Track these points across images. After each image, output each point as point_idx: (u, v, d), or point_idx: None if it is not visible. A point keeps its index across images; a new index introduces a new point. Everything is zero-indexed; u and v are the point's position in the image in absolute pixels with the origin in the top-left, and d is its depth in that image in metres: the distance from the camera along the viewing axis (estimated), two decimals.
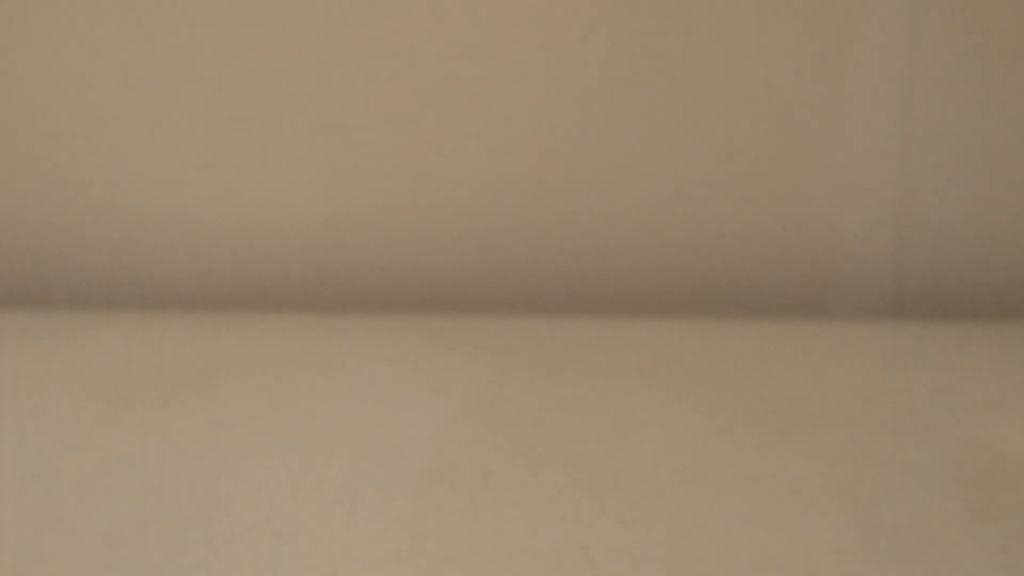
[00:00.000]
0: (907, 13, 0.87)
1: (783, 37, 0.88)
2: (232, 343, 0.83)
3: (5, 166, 0.92)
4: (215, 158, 0.91)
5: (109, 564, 0.51)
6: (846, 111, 0.89)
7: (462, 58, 0.90)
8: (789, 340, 0.83)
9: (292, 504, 0.57)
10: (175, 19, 0.90)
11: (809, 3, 0.88)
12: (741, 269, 0.91)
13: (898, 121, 0.88)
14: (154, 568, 0.51)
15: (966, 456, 0.63)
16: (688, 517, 0.56)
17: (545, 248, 0.91)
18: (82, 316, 0.89)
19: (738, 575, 0.51)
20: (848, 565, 0.51)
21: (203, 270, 0.92)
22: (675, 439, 0.65)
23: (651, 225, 0.91)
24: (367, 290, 0.92)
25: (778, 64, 0.89)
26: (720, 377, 0.75)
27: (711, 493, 0.58)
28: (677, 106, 0.89)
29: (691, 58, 0.89)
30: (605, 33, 0.89)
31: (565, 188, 0.91)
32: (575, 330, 0.85)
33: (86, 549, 0.53)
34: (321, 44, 0.90)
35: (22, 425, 0.68)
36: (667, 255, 0.91)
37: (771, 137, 0.90)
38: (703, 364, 0.78)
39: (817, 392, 0.73)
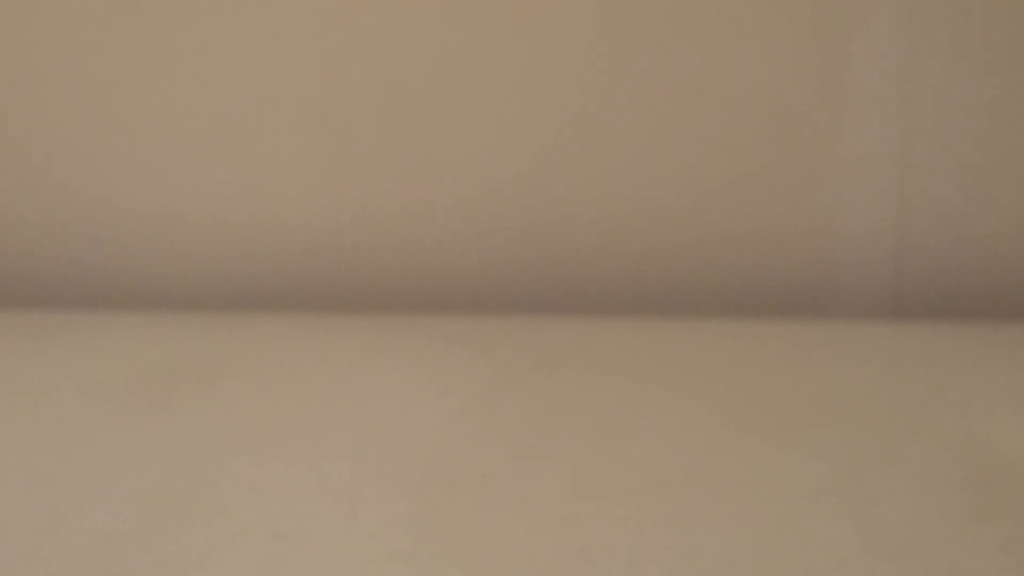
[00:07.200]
0: (907, 13, 0.87)
1: (783, 38, 0.88)
2: (232, 343, 0.83)
3: (5, 166, 0.92)
4: (215, 158, 0.92)
5: (109, 564, 0.51)
6: (846, 111, 0.89)
7: (462, 59, 0.90)
8: (789, 340, 0.83)
9: (292, 504, 0.57)
10: (175, 20, 0.90)
11: (809, 4, 0.88)
12: (741, 269, 0.91)
13: (898, 121, 0.89)
14: (154, 568, 0.51)
15: (966, 456, 0.63)
16: (688, 517, 0.56)
17: (545, 248, 0.91)
18: (82, 316, 0.89)
19: (738, 575, 0.51)
20: (848, 565, 0.51)
21: (203, 270, 0.92)
22: (675, 439, 0.65)
23: (651, 225, 0.91)
24: (367, 290, 0.92)
25: (778, 65, 0.89)
26: (720, 377, 0.75)
27: (711, 493, 0.58)
28: (677, 107, 0.89)
29: (691, 59, 0.89)
30: (605, 34, 0.89)
31: (565, 189, 0.91)
32: (575, 330, 0.85)
33: (86, 549, 0.53)
34: (321, 44, 0.90)
35: (22, 425, 0.68)
36: (667, 255, 0.91)
37: (771, 137, 0.90)
38: (703, 364, 0.78)
39: (817, 392, 0.73)
